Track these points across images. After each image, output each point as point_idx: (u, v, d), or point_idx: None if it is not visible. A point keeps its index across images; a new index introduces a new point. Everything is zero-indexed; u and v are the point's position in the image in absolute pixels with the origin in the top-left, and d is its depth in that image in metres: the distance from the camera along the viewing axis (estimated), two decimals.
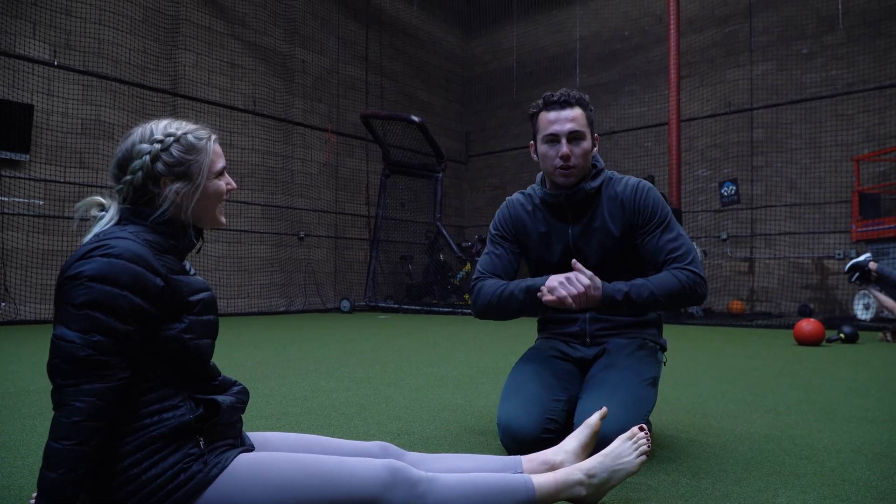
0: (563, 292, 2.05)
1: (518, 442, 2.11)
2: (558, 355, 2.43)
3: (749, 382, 3.95)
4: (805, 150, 11.68)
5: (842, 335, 6.38)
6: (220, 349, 5.62)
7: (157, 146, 1.49)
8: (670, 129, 10.11)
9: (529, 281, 2.20)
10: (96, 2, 9.79)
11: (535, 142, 2.35)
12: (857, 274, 6.53)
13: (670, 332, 7.52)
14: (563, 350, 2.45)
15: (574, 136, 2.23)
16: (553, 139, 2.24)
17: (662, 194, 9.40)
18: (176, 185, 1.48)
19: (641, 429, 1.85)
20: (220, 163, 1.57)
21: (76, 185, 9.48)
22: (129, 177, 1.48)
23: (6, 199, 8.77)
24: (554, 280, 2.08)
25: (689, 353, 5.62)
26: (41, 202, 9.14)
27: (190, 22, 11.03)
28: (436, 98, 16.37)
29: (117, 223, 1.46)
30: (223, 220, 1.61)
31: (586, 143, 2.26)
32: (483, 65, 16.68)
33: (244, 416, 2.62)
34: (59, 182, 9.31)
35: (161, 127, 1.53)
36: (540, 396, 2.21)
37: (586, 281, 2.06)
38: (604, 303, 2.11)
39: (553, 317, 2.51)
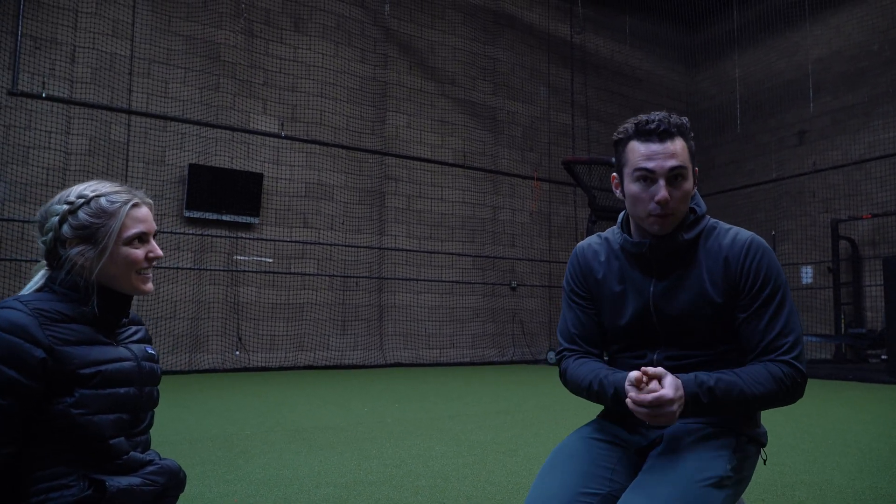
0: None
1: None
2: (604, 437, 1.94)
3: None
4: None
5: None
6: (377, 402, 5.63)
7: (66, 207, 1.45)
8: None
9: (616, 383, 1.77)
10: (318, 76, 10.83)
11: (621, 176, 1.89)
12: None
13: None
14: (614, 431, 1.96)
15: (676, 175, 1.75)
16: (647, 177, 1.79)
17: None
18: (79, 248, 1.43)
19: None
20: (136, 228, 1.47)
21: (301, 244, 10.40)
22: (43, 238, 1.46)
23: (241, 258, 9.89)
24: (641, 411, 1.60)
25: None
26: (270, 260, 10.15)
27: (401, 86, 11.73)
28: None
29: (40, 288, 1.45)
30: (146, 287, 1.51)
31: (688, 184, 1.77)
32: (710, 98, 15.49)
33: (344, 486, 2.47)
34: (286, 241, 10.29)
35: (80, 189, 1.49)
36: (565, 490, 1.76)
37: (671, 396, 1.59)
38: (686, 407, 1.63)
39: None
